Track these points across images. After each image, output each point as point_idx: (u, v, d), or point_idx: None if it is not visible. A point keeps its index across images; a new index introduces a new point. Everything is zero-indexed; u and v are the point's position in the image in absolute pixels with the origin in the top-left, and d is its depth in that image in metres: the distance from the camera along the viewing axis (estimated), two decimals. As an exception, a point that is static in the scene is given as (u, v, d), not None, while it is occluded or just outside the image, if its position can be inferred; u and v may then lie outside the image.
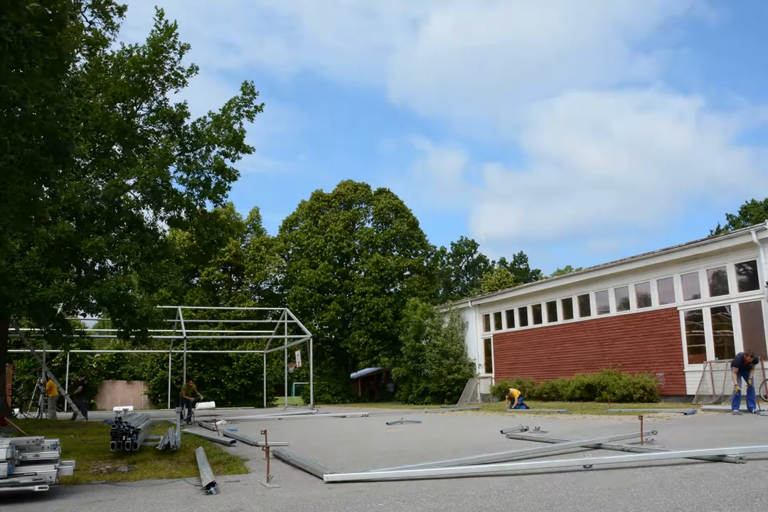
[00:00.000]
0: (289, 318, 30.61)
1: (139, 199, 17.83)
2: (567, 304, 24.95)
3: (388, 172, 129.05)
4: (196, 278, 44.58)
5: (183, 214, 18.84)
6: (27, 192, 8.92)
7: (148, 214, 18.54)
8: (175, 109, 18.19)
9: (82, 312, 17.91)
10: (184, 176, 18.52)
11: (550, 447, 8.66)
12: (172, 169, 18.26)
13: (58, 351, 29.01)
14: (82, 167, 17.07)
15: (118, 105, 17.37)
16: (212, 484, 6.42)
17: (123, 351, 36.75)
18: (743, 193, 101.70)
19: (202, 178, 18.57)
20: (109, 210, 16.85)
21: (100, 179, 17.47)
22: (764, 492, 5.27)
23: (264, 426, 10.89)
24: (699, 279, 19.64)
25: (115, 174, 16.88)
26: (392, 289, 39.05)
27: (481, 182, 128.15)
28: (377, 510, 5.21)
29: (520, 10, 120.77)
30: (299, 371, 46.09)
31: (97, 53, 16.16)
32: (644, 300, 21.61)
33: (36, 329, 20.46)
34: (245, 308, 38.56)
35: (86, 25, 13.39)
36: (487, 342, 29.61)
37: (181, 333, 27.25)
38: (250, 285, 45.49)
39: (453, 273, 64.94)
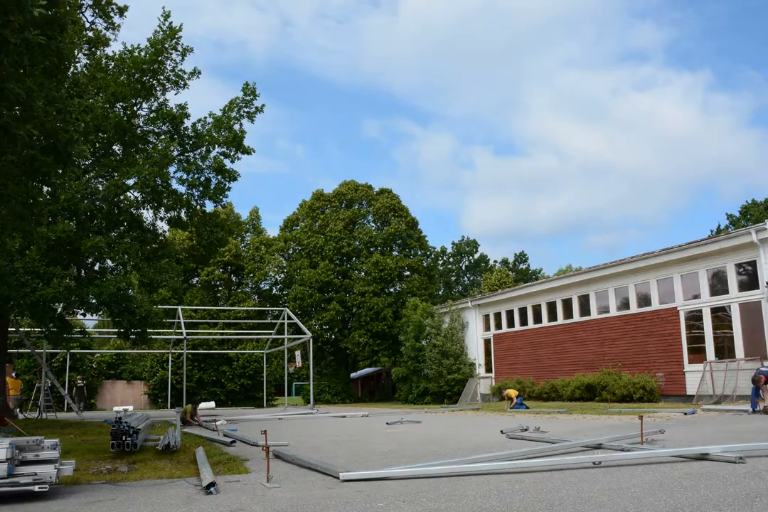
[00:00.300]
0: (289, 318, 30.62)
1: (139, 199, 17.84)
2: (567, 304, 24.95)
3: (380, 166, 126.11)
4: (196, 278, 44.61)
5: (183, 214, 18.84)
6: (27, 192, 8.92)
7: (148, 214, 18.57)
8: (175, 110, 18.21)
9: (82, 312, 17.89)
10: (184, 176, 18.53)
11: (550, 447, 8.66)
12: (172, 169, 18.27)
13: (58, 351, 29.00)
14: (82, 167, 17.07)
15: (118, 105, 17.38)
16: (212, 484, 6.42)
17: (123, 351, 36.75)
18: (755, 181, 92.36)
19: (202, 179, 18.58)
20: (109, 210, 16.85)
21: (100, 179, 17.48)
22: (764, 492, 5.27)
23: (264, 426, 10.89)
24: (699, 279, 19.64)
25: (115, 174, 16.88)
26: (392, 289, 39.05)
27: (472, 171, 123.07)
28: (377, 510, 5.21)
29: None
30: (299, 371, 46.07)
31: (98, 53, 16.19)
32: (644, 300, 21.61)
33: (36, 329, 20.46)
34: (245, 308, 38.57)
35: (87, 25, 13.43)
36: (487, 342, 29.61)
37: (181, 333, 27.28)
38: (250, 285, 45.52)
39: (453, 273, 64.95)
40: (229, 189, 19.00)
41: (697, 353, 19.53)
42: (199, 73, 17.96)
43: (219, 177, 18.83)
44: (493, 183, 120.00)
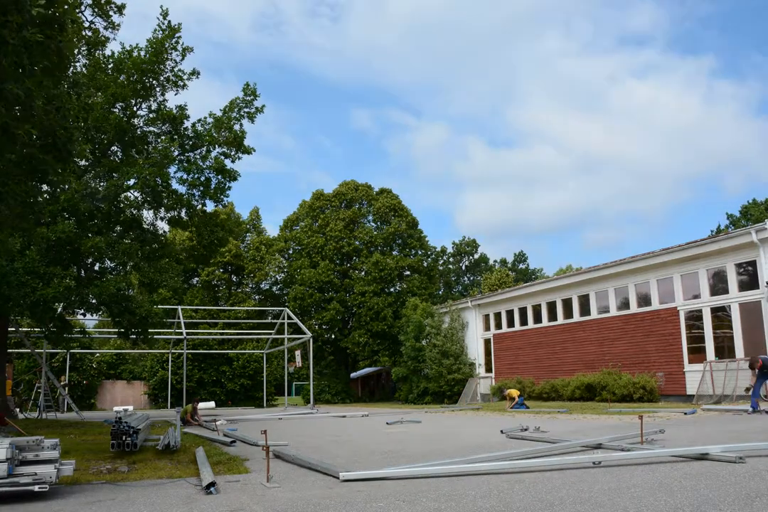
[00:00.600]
0: (289, 318, 30.62)
1: (139, 199, 17.85)
2: (567, 304, 24.95)
3: (374, 160, 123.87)
4: (196, 278, 44.61)
5: (183, 214, 18.85)
6: (26, 191, 8.92)
7: (148, 214, 18.57)
8: (175, 111, 18.21)
9: (82, 312, 17.89)
10: (185, 176, 18.54)
11: (550, 447, 8.66)
12: (172, 169, 18.29)
13: (58, 351, 29.01)
14: (82, 167, 17.08)
15: (117, 105, 17.38)
16: (212, 484, 6.42)
17: (123, 351, 36.75)
18: (760, 173, 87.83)
19: (203, 179, 18.58)
20: (109, 210, 16.87)
21: (100, 180, 17.48)
22: (764, 492, 5.27)
23: (264, 426, 10.89)
24: (699, 279, 19.64)
25: (115, 174, 16.88)
26: (392, 289, 39.06)
27: (467, 165, 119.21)
28: (377, 510, 5.21)
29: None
30: (299, 371, 46.10)
31: (97, 53, 16.18)
32: (644, 300, 21.61)
33: (36, 329, 20.46)
34: (245, 308, 38.57)
35: (86, 24, 13.41)
36: (487, 342, 29.61)
37: (181, 333, 27.28)
38: (251, 285, 45.53)
39: (453, 273, 64.97)
40: (229, 188, 19.04)
41: (697, 353, 19.53)
42: (198, 73, 17.98)
43: (219, 177, 18.84)
44: (488, 177, 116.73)
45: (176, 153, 18.39)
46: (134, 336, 17.83)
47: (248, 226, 48.98)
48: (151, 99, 17.88)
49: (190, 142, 18.66)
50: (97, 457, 9.13)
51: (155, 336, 24.56)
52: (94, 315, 21.36)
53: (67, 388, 24.45)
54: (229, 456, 9.21)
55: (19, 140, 7.74)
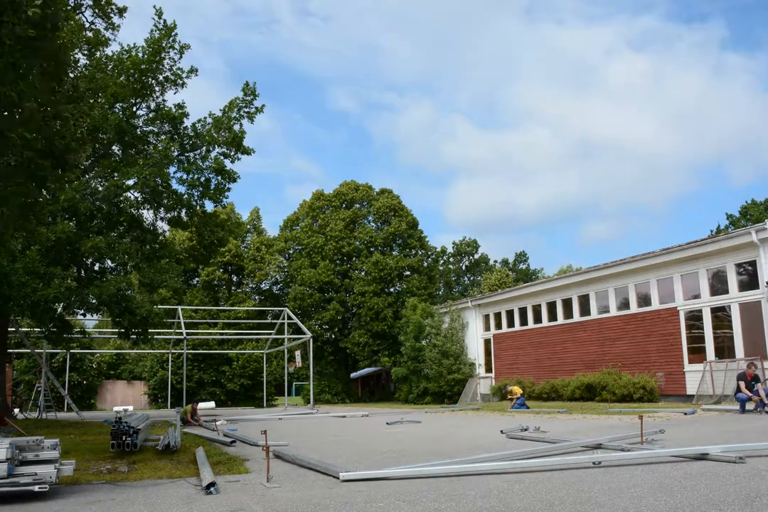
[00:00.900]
0: (289, 318, 30.62)
1: (139, 199, 17.85)
2: (567, 304, 24.95)
3: (366, 154, 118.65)
4: (196, 278, 44.62)
5: (183, 215, 18.85)
6: (26, 193, 8.92)
7: (148, 214, 18.57)
8: (174, 110, 18.21)
9: (82, 312, 17.89)
10: (184, 177, 18.54)
11: (550, 447, 8.66)
12: (172, 169, 18.30)
13: (58, 351, 29.02)
14: (82, 167, 17.07)
15: (117, 105, 17.39)
16: (212, 484, 6.42)
17: (123, 351, 36.76)
18: None
19: (202, 179, 18.58)
20: (109, 210, 16.86)
21: (100, 179, 17.48)
22: (764, 492, 5.27)
23: (264, 426, 10.89)
24: (699, 279, 19.64)
25: (115, 174, 16.88)
26: (392, 289, 39.06)
27: (455, 151, 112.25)
28: (377, 510, 5.21)
29: None
30: (299, 371, 46.06)
31: (98, 53, 16.18)
32: (644, 300, 21.61)
33: (36, 329, 20.46)
34: (245, 308, 38.58)
35: (87, 25, 13.42)
36: (487, 342, 29.61)
37: (181, 334, 27.28)
38: (251, 285, 45.52)
39: (453, 273, 64.98)
40: (229, 189, 19.03)
41: (697, 353, 19.53)
42: (197, 71, 17.95)
43: (219, 177, 18.84)
44: (478, 164, 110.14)
45: (176, 153, 18.40)
46: (134, 337, 17.83)
47: (248, 227, 49.00)
48: (151, 98, 17.88)
49: (190, 142, 18.67)
50: (97, 457, 9.13)
51: (155, 337, 24.58)
52: (94, 315, 21.36)
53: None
54: (229, 456, 9.22)
55: (16, 143, 7.73)
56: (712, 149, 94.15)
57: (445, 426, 14.82)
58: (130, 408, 26.53)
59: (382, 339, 36.85)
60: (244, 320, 38.17)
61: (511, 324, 28.12)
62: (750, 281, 18.30)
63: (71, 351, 29.17)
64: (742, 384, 14.70)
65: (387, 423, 15.72)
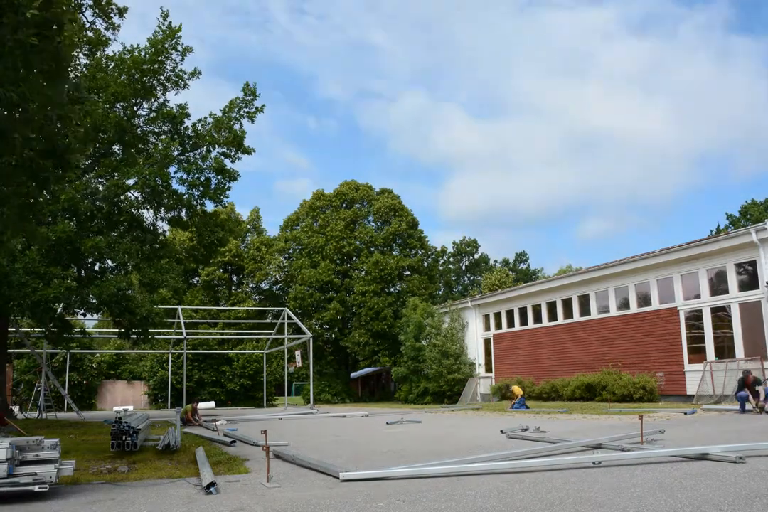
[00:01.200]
0: (289, 318, 30.63)
1: (139, 199, 17.84)
2: (567, 304, 24.95)
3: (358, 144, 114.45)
4: (196, 278, 44.63)
5: (183, 214, 18.84)
6: (26, 193, 8.91)
7: (148, 214, 18.57)
8: (175, 110, 18.21)
9: (82, 312, 17.89)
10: (184, 176, 18.53)
11: (550, 447, 8.67)
12: (172, 169, 18.28)
13: (58, 351, 29.01)
14: (82, 167, 17.07)
15: (118, 105, 17.38)
16: (212, 484, 6.42)
17: (123, 351, 36.76)
18: None
19: (202, 179, 18.57)
20: (109, 210, 16.86)
21: (100, 179, 17.48)
22: (764, 492, 5.27)
23: (264, 426, 10.89)
24: (699, 279, 19.64)
25: (116, 174, 16.88)
26: (392, 289, 39.06)
27: (448, 147, 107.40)
28: (377, 510, 5.21)
29: None
30: (299, 371, 46.06)
31: (98, 53, 16.18)
32: (644, 300, 21.61)
33: (36, 329, 20.46)
34: (245, 308, 38.58)
35: (87, 25, 13.42)
36: (487, 342, 29.61)
37: (181, 333, 27.27)
38: (251, 285, 45.53)
39: (453, 273, 65.00)
40: (229, 189, 19.02)
41: (697, 353, 19.53)
42: (200, 73, 17.97)
43: (219, 177, 18.83)
44: (471, 157, 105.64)
45: (176, 153, 18.39)
46: (135, 337, 17.83)
47: (249, 227, 49.02)
48: (152, 99, 17.88)
49: (191, 142, 18.66)
50: (97, 457, 9.13)
51: (155, 337, 24.57)
52: (95, 315, 21.34)
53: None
54: (229, 456, 9.22)
55: (17, 144, 7.72)
56: (718, 138, 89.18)
57: (445, 426, 14.82)
58: (130, 408, 26.50)
59: (382, 339, 36.85)
60: (244, 320, 38.17)
61: (511, 324, 28.12)
62: (750, 281, 18.30)
63: (71, 351, 29.15)
64: (746, 390, 14.67)
65: (387, 423, 15.73)
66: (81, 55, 15.47)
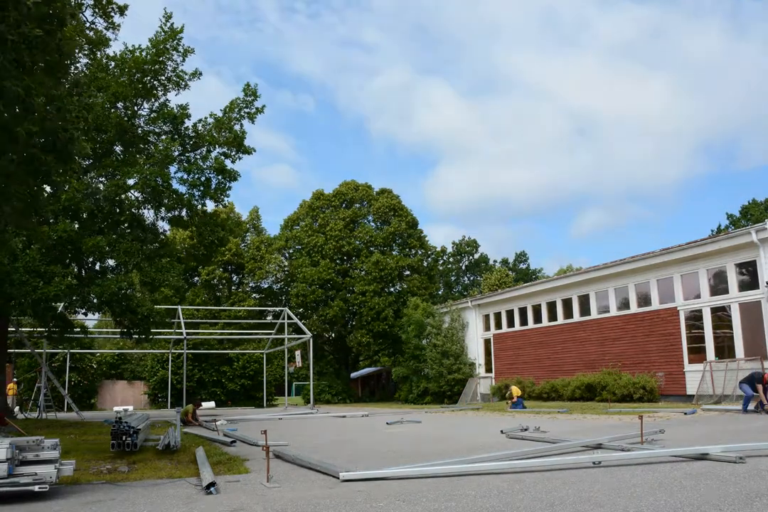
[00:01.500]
0: (289, 318, 30.63)
1: (140, 198, 17.84)
2: (567, 304, 24.95)
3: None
4: (197, 277, 44.62)
5: (183, 214, 18.84)
6: (28, 191, 8.93)
7: (148, 214, 18.57)
8: (176, 110, 18.20)
9: (83, 311, 17.89)
10: (185, 176, 18.53)
11: (550, 447, 8.67)
12: (172, 169, 18.28)
13: (59, 351, 29.01)
14: (84, 167, 17.07)
15: (119, 105, 17.38)
16: (212, 484, 6.42)
17: (123, 351, 36.76)
18: None
19: (203, 179, 18.57)
20: (110, 209, 16.86)
21: (101, 179, 17.48)
22: (764, 492, 5.27)
23: (264, 426, 10.89)
24: (699, 279, 19.64)
25: (116, 174, 16.88)
26: (392, 289, 39.07)
27: (435, 131, 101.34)
28: (377, 510, 5.21)
29: None
30: (299, 371, 46.08)
31: (98, 53, 16.17)
32: (644, 300, 21.60)
33: (36, 329, 20.46)
34: (245, 308, 38.57)
35: (87, 24, 13.40)
36: (487, 342, 29.61)
37: (182, 333, 27.27)
38: (251, 284, 45.50)
39: (453, 273, 65.00)
40: (229, 188, 19.02)
41: (697, 353, 19.52)
42: (200, 74, 17.96)
43: (219, 177, 18.83)
44: (460, 142, 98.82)
45: (177, 153, 18.39)
46: (136, 336, 17.83)
47: (248, 226, 49.02)
48: (153, 99, 17.87)
49: (191, 142, 18.66)
50: (97, 457, 9.13)
51: (156, 336, 24.57)
52: (95, 314, 21.36)
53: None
54: (229, 456, 9.22)
55: (21, 139, 7.74)
56: (727, 119, 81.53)
57: (445, 426, 14.83)
58: (130, 408, 26.51)
59: (382, 339, 36.87)
60: (244, 320, 38.18)
61: (511, 324, 28.12)
62: (750, 281, 18.30)
63: (71, 351, 29.16)
64: (760, 388, 14.53)
65: (387, 423, 15.73)
66: (81, 54, 15.46)
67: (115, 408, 23.99)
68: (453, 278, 65.19)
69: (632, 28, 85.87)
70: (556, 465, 7.16)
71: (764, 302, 17.62)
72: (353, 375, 42.10)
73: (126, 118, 17.25)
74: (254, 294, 45.69)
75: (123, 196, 17.36)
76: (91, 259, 17.47)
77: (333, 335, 39.22)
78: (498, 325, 28.99)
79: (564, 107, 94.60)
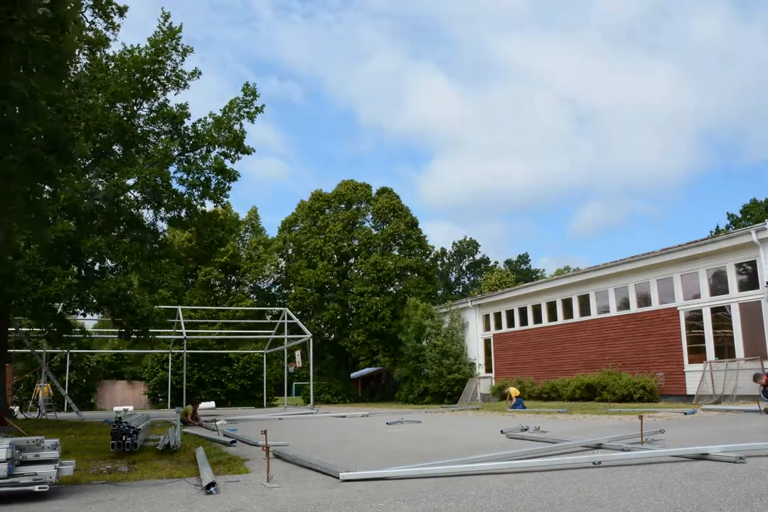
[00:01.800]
0: (289, 318, 30.62)
1: (139, 199, 17.84)
2: (567, 304, 24.95)
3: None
4: (191, 280, 44.59)
5: (183, 214, 18.84)
6: (29, 191, 8.94)
7: (148, 214, 18.57)
8: (175, 110, 18.20)
9: (82, 312, 17.88)
10: (184, 176, 18.53)
11: (550, 447, 8.66)
12: (172, 169, 18.28)
13: (58, 351, 28.98)
14: (83, 167, 17.07)
15: (118, 105, 17.38)
16: (212, 484, 6.42)
17: (123, 351, 36.76)
18: None
19: (202, 179, 18.57)
20: (110, 210, 16.86)
21: (100, 179, 17.48)
22: (764, 492, 5.27)
23: (264, 426, 10.89)
24: (699, 279, 19.64)
25: (116, 174, 16.88)
26: (391, 289, 39.06)
27: (428, 120, 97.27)
28: (377, 510, 5.21)
29: None
30: (299, 371, 46.06)
31: (98, 53, 16.19)
32: (644, 300, 21.60)
33: (36, 329, 20.45)
34: (245, 308, 38.57)
35: (87, 25, 13.42)
36: (487, 342, 29.60)
37: (181, 333, 27.26)
38: (249, 285, 45.52)
39: (454, 273, 65.00)
40: (229, 188, 19.03)
41: (697, 353, 19.53)
42: (200, 73, 17.96)
43: (219, 177, 18.84)
44: (453, 133, 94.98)
45: (176, 153, 18.39)
46: (135, 336, 17.82)
47: (247, 226, 49.00)
48: (152, 98, 17.87)
49: (191, 142, 18.66)
50: (97, 457, 9.13)
51: (155, 337, 24.55)
52: (95, 315, 21.35)
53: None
54: (229, 456, 9.21)
55: (23, 139, 7.77)
56: (730, 109, 76.55)
57: (445, 426, 14.82)
58: (130, 408, 26.51)
59: (381, 339, 36.86)
60: (243, 320, 38.17)
61: (511, 324, 28.12)
62: (750, 281, 18.30)
63: (71, 351, 29.13)
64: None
65: (387, 423, 15.72)
66: (81, 55, 15.47)
67: (115, 408, 24.02)
68: (453, 278, 65.20)
69: (632, 10, 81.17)
70: (556, 465, 7.15)
71: (764, 302, 17.62)
72: (353, 375, 42.09)
73: (125, 118, 17.25)
74: (252, 295, 45.72)
75: (122, 196, 17.38)
76: (90, 260, 17.47)
77: (332, 336, 39.20)
78: (498, 325, 28.98)
79: (560, 95, 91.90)
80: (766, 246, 17.52)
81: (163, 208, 18.32)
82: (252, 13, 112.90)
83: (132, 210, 17.89)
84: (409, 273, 39.46)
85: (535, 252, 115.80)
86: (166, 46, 16.90)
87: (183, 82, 17.74)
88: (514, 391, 21.53)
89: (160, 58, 16.93)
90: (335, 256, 38.82)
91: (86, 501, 6.06)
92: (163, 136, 18.35)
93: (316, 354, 34.74)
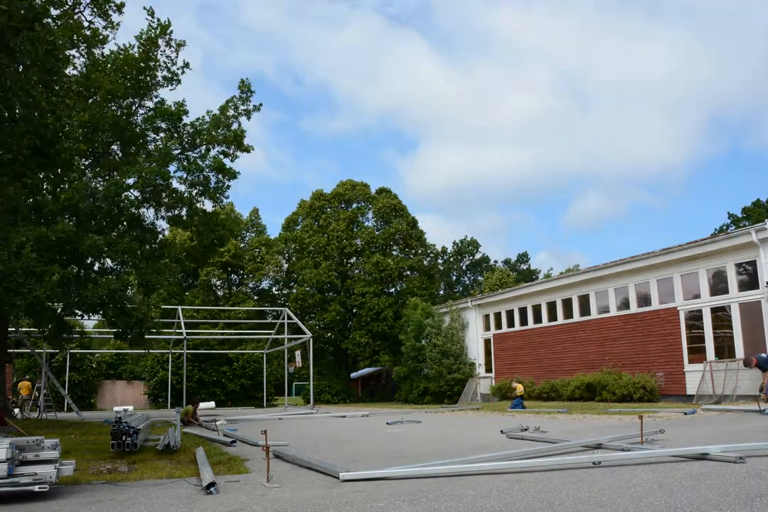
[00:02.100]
0: (289, 318, 30.62)
1: (139, 198, 17.82)
2: (567, 304, 24.94)
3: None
4: (191, 279, 44.57)
5: (183, 213, 18.82)
6: (9, 197, 8.92)
7: (148, 213, 18.55)
8: (173, 108, 18.17)
9: (80, 313, 17.82)
10: (184, 175, 18.52)
11: (550, 447, 8.66)
12: (172, 168, 18.27)
13: (58, 351, 28.94)
14: (82, 167, 17.05)
15: (114, 103, 17.35)
16: (212, 484, 6.42)
17: (123, 351, 36.74)
18: None
19: (202, 178, 18.55)
20: (109, 209, 16.83)
21: (100, 179, 17.46)
22: (764, 492, 5.27)
23: (264, 426, 10.89)
24: (699, 279, 19.63)
25: (115, 173, 16.86)
26: (392, 289, 39.05)
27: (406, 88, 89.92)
28: (377, 510, 5.21)
29: None
30: (299, 371, 46.07)
31: (96, 51, 16.17)
32: (644, 300, 21.60)
33: (31, 329, 20.41)
34: (245, 308, 38.56)
35: (86, 24, 13.42)
36: (487, 342, 29.60)
37: (182, 334, 27.26)
38: (250, 285, 45.52)
39: (454, 273, 65.01)
40: (228, 187, 19.01)
41: (697, 353, 19.52)
42: (188, 64, 17.87)
43: (219, 176, 18.81)
44: (439, 118, 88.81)
45: (176, 151, 18.38)
46: (131, 337, 17.77)
47: (248, 226, 49.02)
48: (147, 97, 17.83)
49: (189, 140, 18.64)
50: (97, 457, 9.13)
51: (156, 337, 24.53)
52: (93, 316, 21.31)
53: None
54: (229, 456, 9.21)
55: (16, 139, 7.74)
56: (747, 85, 69.65)
57: (445, 426, 14.82)
58: (130, 408, 26.48)
59: (382, 340, 36.85)
60: (244, 320, 38.17)
61: (511, 324, 28.11)
62: (750, 281, 18.29)
63: (71, 351, 29.11)
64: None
65: (387, 423, 15.72)
66: (78, 53, 15.43)
67: (115, 408, 23.96)
68: (454, 278, 65.21)
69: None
70: (556, 465, 7.15)
71: (764, 302, 17.61)
72: (353, 375, 42.09)
73: (123, 117, 17.21)
74: (253, 296, 45.71)
75: (122, 196, 17.35)
76: (89, 259, 17.43)
77: (333, 336, 39.20)
78: (498, 325, 28.98)
79: (555, 69, 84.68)
80: (766, 246, 17.51)
81: (163, 207, 18.30)
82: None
83: (132, 209, 17.87)
84: (409, 273, 39.46)
85: (533, 247, 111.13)
86: (159, 42, 16.85)
87: (177, 78, 17.65)
88: (519, 388, 21.50)
89: (151, 55, 16.88)
90: (338, 255, 38.81)
91: (86, 501, 6.06)
92: (162, 134, 18.33)
93: (316, 354, 34.75)
